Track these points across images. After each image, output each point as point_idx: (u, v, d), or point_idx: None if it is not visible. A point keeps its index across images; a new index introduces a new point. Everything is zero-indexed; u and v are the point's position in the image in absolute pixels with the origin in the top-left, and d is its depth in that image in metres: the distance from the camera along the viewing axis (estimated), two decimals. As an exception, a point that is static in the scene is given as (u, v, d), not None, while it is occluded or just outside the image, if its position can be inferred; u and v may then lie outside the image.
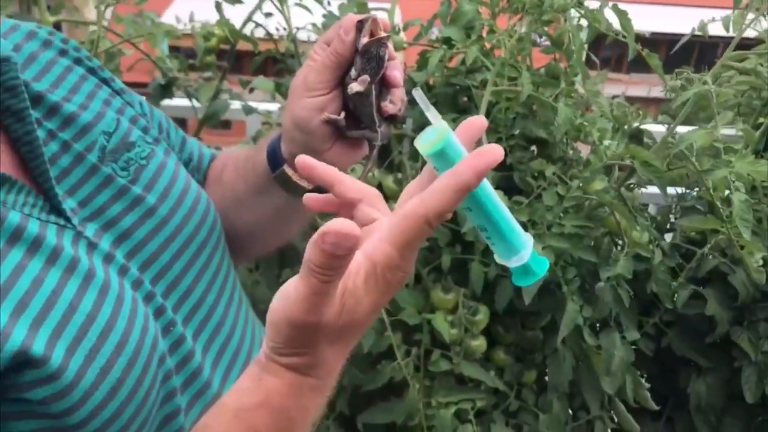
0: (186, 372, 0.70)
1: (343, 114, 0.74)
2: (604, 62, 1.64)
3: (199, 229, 0.76)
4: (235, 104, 1.56)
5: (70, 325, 0.58)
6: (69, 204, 0.66)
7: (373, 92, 0.71)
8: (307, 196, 0.60)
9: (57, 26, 1.59)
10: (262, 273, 1.41)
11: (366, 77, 0.70)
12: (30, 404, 0.55)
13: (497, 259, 0.53)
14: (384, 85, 0.73)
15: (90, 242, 0.65)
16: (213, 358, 0.74)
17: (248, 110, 1.53)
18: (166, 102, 1.58)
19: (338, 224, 0.45)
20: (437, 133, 0.49)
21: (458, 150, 0.49)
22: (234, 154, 0.92)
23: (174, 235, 0.73)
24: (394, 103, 0.73)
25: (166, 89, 1.56)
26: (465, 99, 1.45)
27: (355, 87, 0.71)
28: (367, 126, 0.74)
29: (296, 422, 0.54)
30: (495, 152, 0.47)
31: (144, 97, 0.88)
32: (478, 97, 1.37)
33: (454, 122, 1.36)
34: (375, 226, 0.56)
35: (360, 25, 0.69)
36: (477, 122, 0.52)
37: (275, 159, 0.80)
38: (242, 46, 1.63)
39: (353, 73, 0.71)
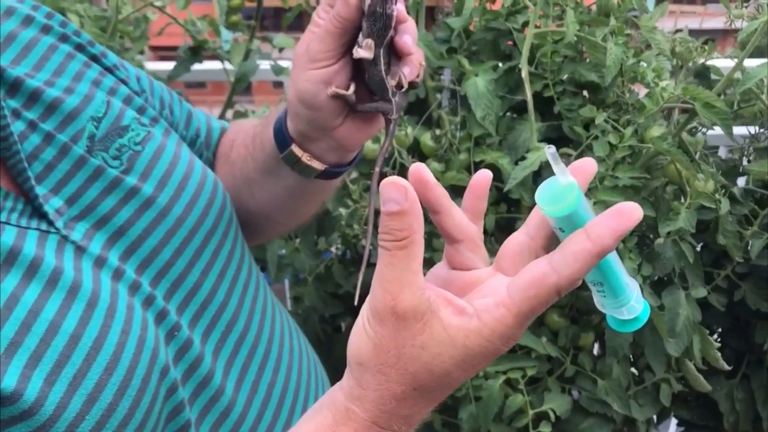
0: (195, 381, 0.64)
1: (353, 87, 0.65)
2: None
3: (205, 217, 0.70)
4: (264, 64, 1.49)
5: (50, 350, 0.52)
6: (54, 204, 0.60)
7: (382, 58, 0.63)
8: None
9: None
10: (301, 241, 1.36)
11: (370, 41, 0.62)
12: None
13: (603, 308, 0.49)
14: (394, 53, 0.64)
15: (78, 246, 0.59)
16: (226, 360, 0.68)
17: (277, 70, 1.46)
18: (196, 66, 1.52)
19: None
20: (569, 193, 0.43)
21: (586, 209, 0.43)
22: (243, 128, 0.85)
23: (176, 227, 0.66)
24: (411, 71, 0.64)
25: (196, 53, 1.50)
26: (509, 43, 1.34)
27: (360, 53, 0.62)
28: (379, 97, 0.66)
29: None
30: (635, 212, 0.41)
31: (143, 71, 0.81)
32: (521, 41, 1.26)
33: (494, 71, 1.25)
34: (481, 280, 0.49)
35: None
36: (589, 167, 0.46)
37: (282, 137, 0.72)
38: (275, 1, 1.55)
39: (360, 39, 0.62)
